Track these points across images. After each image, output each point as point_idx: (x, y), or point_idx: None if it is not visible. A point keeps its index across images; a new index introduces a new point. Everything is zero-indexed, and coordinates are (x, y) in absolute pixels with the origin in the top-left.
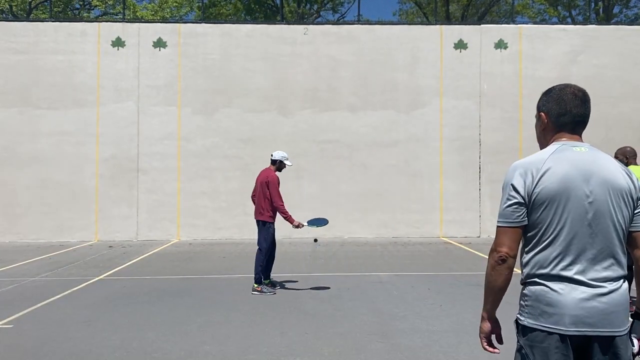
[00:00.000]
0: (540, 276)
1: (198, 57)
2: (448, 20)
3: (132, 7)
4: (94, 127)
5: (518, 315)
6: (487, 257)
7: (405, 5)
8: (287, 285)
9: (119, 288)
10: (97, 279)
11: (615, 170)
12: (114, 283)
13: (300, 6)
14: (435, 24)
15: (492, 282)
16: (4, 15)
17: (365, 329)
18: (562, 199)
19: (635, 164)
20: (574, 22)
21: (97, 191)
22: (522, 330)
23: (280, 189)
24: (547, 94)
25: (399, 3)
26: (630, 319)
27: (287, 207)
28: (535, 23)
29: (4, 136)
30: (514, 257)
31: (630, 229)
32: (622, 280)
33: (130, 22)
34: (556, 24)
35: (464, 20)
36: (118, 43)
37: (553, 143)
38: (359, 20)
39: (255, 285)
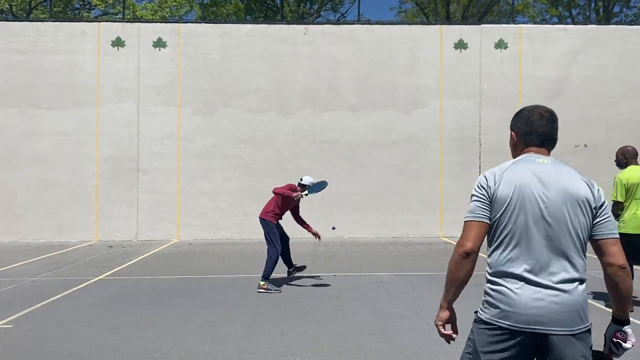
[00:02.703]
0: (498, 274)
1: (198, 57)
2: (448, 20)
3: (132, 7)
4: (94, 127)
5: (478, 310)
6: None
7: (405, 4)
8: (287, 285)
9: (119, 288)
10: (97, 279)
11: (575, 181)
12: (114, 283)
13: (300, 6)
14: (435, 24)
15: (455, 274)
16: (4, 15)
17: (365, 329)
18: (518, 202)
19: (636, 163)
20: (574, 22)
21: (97, 191)
22: (477, 320)
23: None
24: (518, 114)
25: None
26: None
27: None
28: (535, 23)
29: (4, 136)
30: (477, 252)
31: (594, 237)
32: (577, 283)
33: (130, 22)
34: (556, 23)
35: (464, 20)
36: (118, 43)
37: (521, 155)
38: (359, 20)
39: (262, 283)
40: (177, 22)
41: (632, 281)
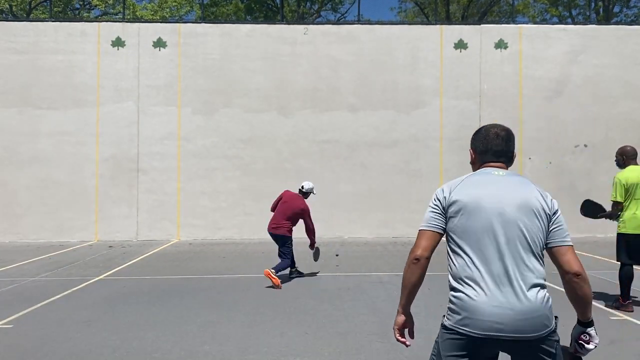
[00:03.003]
0: (458, 281)
1: (198, 57)
2: (448, 20)
3: (132, 7)
4: (94, 127)
5: (444, 316)
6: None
7: (405, 4)
8: (287, 285)
9: (119, 288)
10: (97, 279)
11: (529, 190)
12: (114, 283)
13: (300, 6)
14: (436, 24)
15: (407, 279)
16: (4, 15)
17: (365, 329)
18: (473, 211)
19: (635, 163)
20: (574, 22)
21: (97, 191)
22: (442, 326)
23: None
24: (476, 133)
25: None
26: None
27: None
28: (535, 23)
29: (4, 136)
30: (428, 258)
31: (548, 245)
32: (537, 288)
33: (130, 22)
34: (556, 23)
35: (464, 20)
36: (118, 43)
37: (481, 167)
38: (359, 20)
39: (272, 271)
40: (177, 22)
41: (589, 287)
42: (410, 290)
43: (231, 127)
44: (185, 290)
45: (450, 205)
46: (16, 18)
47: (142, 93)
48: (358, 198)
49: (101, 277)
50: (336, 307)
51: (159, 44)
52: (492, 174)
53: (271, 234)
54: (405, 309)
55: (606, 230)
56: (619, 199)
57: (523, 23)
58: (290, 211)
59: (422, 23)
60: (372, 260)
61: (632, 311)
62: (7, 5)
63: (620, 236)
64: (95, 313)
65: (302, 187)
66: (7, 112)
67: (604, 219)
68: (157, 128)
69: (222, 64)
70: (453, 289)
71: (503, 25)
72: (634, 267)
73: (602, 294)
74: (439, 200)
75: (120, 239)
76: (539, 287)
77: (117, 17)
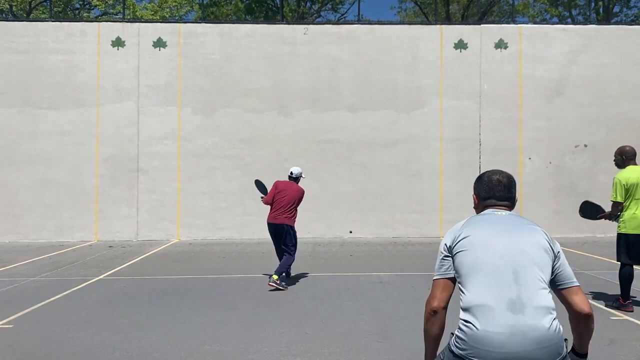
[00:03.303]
0: (467, 312)
1: (198, 57)
2: (448, 20)
3: (132, 7)
4: (94, 127)
5: (451, 343)
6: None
7: (405, 4)
8: (287, 285)
9: (119, 288)
10: (97, 279)
11: (533, 229)
12: (114, 283)
13: (300, 6)
14: (435, 24)
15: (429, 332)
16: (4, 15)
17: (365, 329)
18: (481, 246)
19: (635, 163)
20: (574, 22)
21: (97, 191)
22: (450, 350)
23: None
24: (478, 180)
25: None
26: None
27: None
28: (535, 23)
29: (4, 136)
30: (445, 308)
31: (558, 287)
32: (550, 316)
33: (130, 22)
34: (556, 23)
35: (464, 20)
36: (118, 43)
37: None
38: (359, 20)
39: (275, 278)
40: (177, 22)
41: (593, 325)
42: (433, 343)
43: (231, 127)
44: (185, 290)
45: (454, 247)
46: (16, 18)
47: (142, 93)
48: (358, 198)
49: (101, 277)
50: (336, 307)
51: (159, 44)
52: (495, 214)
53: (274, 225)
54: (430, 358)
55: (606, 231)
56: (619, 199)
57: (523, 23)
58: (293, 199)
59: (422, 23)
60: (372, 260)
61: (632, 311)
62: (7, 5)
63: (621, 236)
64: (95, 313)
65: (292, 173)
66: (7, 112)
67: (603, 219)
68: (157, 128)
69: (222, 64)
70: (462, 319)
71: (503, 25)
72: (635, 267)
73: (602, 294)
74: (445, 248)
75: (120, 239)
76: (552, 316)
77: (117, 17)
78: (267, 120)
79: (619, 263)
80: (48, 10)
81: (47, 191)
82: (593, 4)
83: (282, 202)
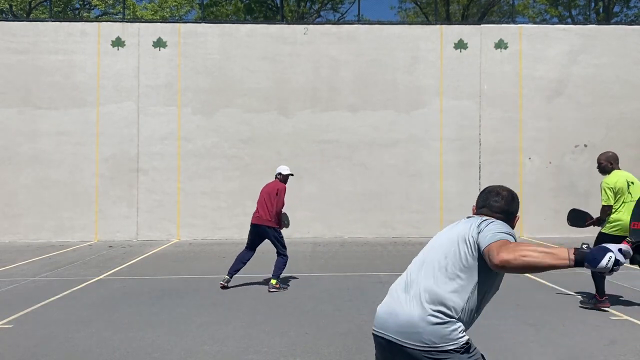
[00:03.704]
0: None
1: (198, 57)
2: (448, 20)
3: (132, 7)
4: (94, 127)
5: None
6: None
7: (405, 4)
8: (287, 285)
9: (119, 288)
10: (97, 279)
11: (464, 222)
12: (114, 283)
13: (300, 6)
14: (435, 24)
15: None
16: (4, 15)
17: (365, 329)
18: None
19: (619, 168)
20: (574, 22)
21: (97, 191)
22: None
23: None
24: (481, 192)
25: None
26: None
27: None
28: (535, 23)
29: (4, 136)
30: None
31: (482, 254)
32: (426, 308)
33: (130, 22)
34: (556, 24)
35: (464, 20)
36: (118, 43)
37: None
38: (359, 20)
39: (274, 282)
40: (177, 22)
41: (527, 260)
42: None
43: (231, 127)
44: (185, 290)
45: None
46: (16, 18)
47: (142, 93)
48: (358, 198)
49: (101, 277)
50: (336, 307)
51: (159, 44)
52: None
53: (253, 225)
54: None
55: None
56: (611, 202)
57: (523, 23)
58: (266, 195)
59: (422, 23)
60: (372, 260)
61: (609, 307)
62: (7, 5)
63: (601, 234)
64: (95, 313)
65: (280, 172)
66: (7, 112)
67: (592, 226)
68: (157, 128)
69: (222, 64)
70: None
71: (503, 25)
72: (635, 267)
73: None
74: None
75: (120, 239)
76: (433, 307)
77: (117, 17)
78: (267, 120)
79: None
80: (48, 10)
81: (47, 191)
82: (593, 4)
83: (260, 202)
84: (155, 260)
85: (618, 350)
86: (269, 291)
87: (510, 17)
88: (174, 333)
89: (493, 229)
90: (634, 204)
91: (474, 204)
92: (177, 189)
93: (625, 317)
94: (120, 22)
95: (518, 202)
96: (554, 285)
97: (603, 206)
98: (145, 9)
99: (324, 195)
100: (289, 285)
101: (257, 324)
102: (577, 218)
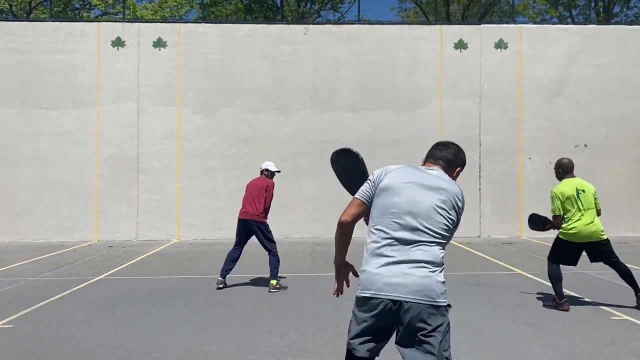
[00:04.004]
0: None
1: (198, 57)
2: (448, 20)
3: (132, 7)
4: (94, 127)
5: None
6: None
7: (405, 4)
8: (287, 285)
9: (119, 288)
10: (97, 279)
11: (450, 185)
12: (114, 283)
13: (300, 6)
14: (435, 24)
15: (335, 237)
16: (4, 15)
17: None
18: (396, 189)
19: (572, 176)
20: (574, 22)
21: (97, 191)
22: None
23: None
24: (433, 145)
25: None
26: None
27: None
28: (535, 23)
29: (4, 136)
30: (350, 222)
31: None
32: (436, 267)
33: (130, 22)
34: (556, 24)
35: (464, 20)
36: (118, 43)
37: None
38: (359, 20)
39: (274, 283)
40: (177, 22)
41: (339, 230)
42: (341, 247)
43: (231, 127)
44: (185, 290)
45: (377, 183)
46: (16, 18)
47: (142, 93)
48: None
49: (101, 277)
50: (336, 307)
51: (159, 44)
52: (425, 170)
53: (241, 220)
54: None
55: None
56: (557, 213)
57: (523, 23)
58: (254, 190)
59: (422, 23)
60: None
61: (568, 309)
62: (7, 5)
63: (560, 241)
64: (95, 313)
65: (267, 169)
66: (7, 112)
67: (552, 229)
68: (157, 128)
69: (222, 64)
70: None
71: (503, 25)
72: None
73: (602, 294)
74: (371, 179)
75: (120, 239)
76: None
77: (117, 17)
78: (267, 120)
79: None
80: (48, 10)
81: (47, 191)
82: (593, 4)
83: (247, 197)
84: (155, 260)
85: (618, 350)
86: (270, 291)
87: (510, 17)
88: (174, 333)
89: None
90: (586, 210)
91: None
92: (177, 189)
93: (625, 317)
94: (120, 22)
95: (463, 158)
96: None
97: (554, 216)
98: (145, 9)
99: (324, 195)
100: (287, 287)
101: (257, 324)
102: (537, 222)
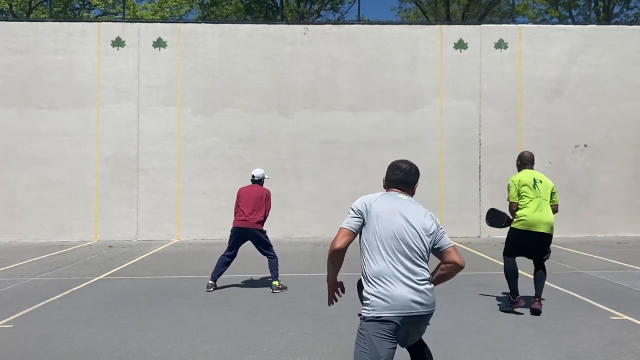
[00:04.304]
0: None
1: (198, 57)
2: (448, 20)
3: (132, 7)
4: (94, 127)
5: None
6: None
7: (405, 4)
8: (288, 285)
9: (119, 288)
10: (97, 279)
11: (419, 212)
12: (114, 283)
13: (300, 6)
14: (435, 24)
15: (329, 261)
16: (4, 15)
17: None
18: (387, 218)
19: (531, 168)
20: (574, 22)
21: (97, 191)
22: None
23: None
24: (389, 166)
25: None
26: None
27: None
28: (535, 23)
29: (4, 136)
30: (344, 248)
31: (437, 248)
32: (428, 282)
33: (130, 22)
34: (556, 24)
35: (464, 20)
36: (118, 43)
37: (388, 191)
38: (359, 20)
39: (277, 284)
40: (177, 22)
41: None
42: (332, 268)
43: (231, 127)
44: (185, 290)
45: (366, 213)
46: (16, 18)
47: (142, 93)
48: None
49: (101, 277)
50: (336, 307)
51: (159, 44)
52: (397, 197)
53: (240, 229)
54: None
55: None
56: (511, 200)
57: (523, 23)
58: (255, 200)
59: (422, 23)
60: None
61: (524, 305)
62: (7, 5)
63: (511, 230)
64: (95, 313)
65: (253, 176)
66: (7, 112)
67: (509, 225)
68: (157, 128)
69: (222, 64)
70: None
71: (503, 25)
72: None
73: (602, 294)
74: (358, 210)
75: (120, 239)
76: (426, 280)
77: (117, 17)
78: (267, 120)
79: (508, 258)
80: (48, 10)
81: (47, 191)
82: (593, 4)
83: (246, 205)
84: (155, 260)
85: (618, 350)
86: (273, 292)
87: (510, 17)
88: (174, 333)
89: (446, 233)
90: (541, 200)
91: (384, 177)
92: (177, 189)
93: (625, 317)
94: (120, 22)
95: (418, 174)
96: (554, 286)
97: (509, 203)
98: (145, 9)
99: (324, 195)
100: (287, 287)
101: (257, 324)
102: (496, 218)
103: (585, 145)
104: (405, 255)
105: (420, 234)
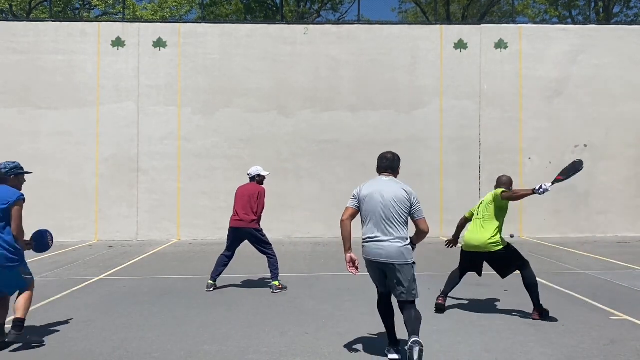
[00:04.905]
0: (364, 239)
1: (198, 57)
2: (448, 20)
3: (132, 7)
4: (94, 127)
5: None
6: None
7: (405, 4)
8: (288, 285)
9: (119, 288)
10: (97, 279)
11: (397, 188)
12: (114, 283)
13: (300, 6)
14: (435, 24)
15: (342, 233)
16: (4, 15)
17: (365, 329)
18: (369, 200)
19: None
20: (574, 22)
21: (97, 191)
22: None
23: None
24: (379, 157)
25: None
26: None
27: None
28: (535, 23)
29: (4, 136)
30: (348, 220)
31: (412, 218)
32: (401, 240)
33: (130, 22)
34: (556, 24)
35: (464, 20)
36: (118, 43)
37: (379, 175)
38: (359, 20)
39: (276, 284)
40: (177, 22)
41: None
42: (346, 240)
43: (231, 127)
44: (185, 290)
45: (360, 195)
46: (16, 18)
47: (142, 93)
48: None
49: (101, 277)
50: (336, 307)
51: (159, 44)
52: (381, 179)
53: (234, 229)
54: (349, 250)
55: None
56: (467, 215)
57: (523, 23)
58: (247, 198)
59: (422, 23)
60: None
61: (443, 303)
62: (7, 5)
63: (461, 251)
64: (95, 313)
65: (248, 174)
66: (7, 112)
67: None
68: (157, 128)
69: (222, 64)
70: (364, 242)
71: (503, 25)
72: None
73: (602, 294)
74: (354, 195)
75: (120, 239)
76: (401, 240)
77: (117, 17)
78: (267, 120)
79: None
80: (48, 10)
81: (47, 191)
82: (593, 4)
83: (240, 205)
84: (155, 260)
85: (618, 350)
86: (273, 292)
87: (510, 17)
88: (174, 333)
89: (420, 206)
90: (476, 221)
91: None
92: (177, 189)
93: (625, 317)
94: (120, 22)
95: (399, 161)
96: (554, 286)
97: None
98: (145, 9)
99: (324, 195)
100: (287, 287)
101: (257, 324)
102: (572, 169)
103: (585, 145)
104: (377, 223)
105: (392, 204)
